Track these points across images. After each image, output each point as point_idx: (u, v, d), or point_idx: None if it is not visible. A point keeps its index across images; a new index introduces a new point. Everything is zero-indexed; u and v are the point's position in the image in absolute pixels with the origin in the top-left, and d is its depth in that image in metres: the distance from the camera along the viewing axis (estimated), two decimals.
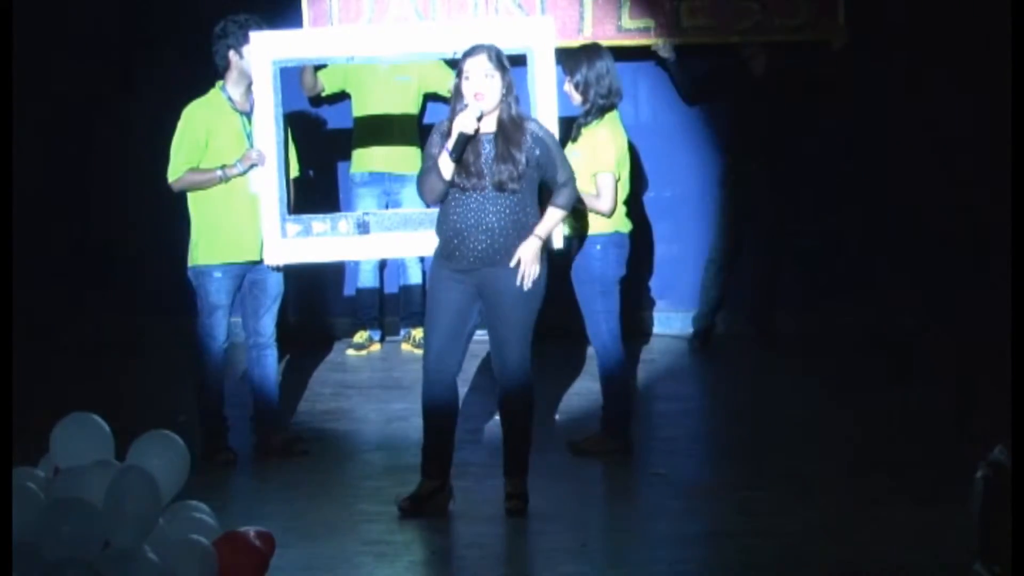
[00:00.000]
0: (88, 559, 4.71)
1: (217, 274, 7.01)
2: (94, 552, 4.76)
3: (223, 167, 6.96)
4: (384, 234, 7.14)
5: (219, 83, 7.11)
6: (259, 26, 7.02)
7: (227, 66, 7.07)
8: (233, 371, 7.64)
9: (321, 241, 7.06)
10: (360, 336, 9.51)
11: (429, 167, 6.14)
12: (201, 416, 7.10)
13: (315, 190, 8.86)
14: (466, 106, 6.04)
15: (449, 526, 6.16)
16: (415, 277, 9.43)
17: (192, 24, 8.88)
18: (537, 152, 6.11)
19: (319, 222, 7.07)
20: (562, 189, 6.20)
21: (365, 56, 7.33)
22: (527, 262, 6.10)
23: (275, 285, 7.17)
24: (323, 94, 9.33)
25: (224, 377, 7.16)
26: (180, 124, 7.04)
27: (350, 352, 9.47)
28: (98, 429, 5.08)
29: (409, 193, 9.10)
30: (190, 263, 7.09)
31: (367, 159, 9.20)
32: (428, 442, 6.29)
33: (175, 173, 7.01)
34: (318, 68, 9.06)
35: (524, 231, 6.12)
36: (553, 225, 6.26)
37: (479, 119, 6.04)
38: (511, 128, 6.09)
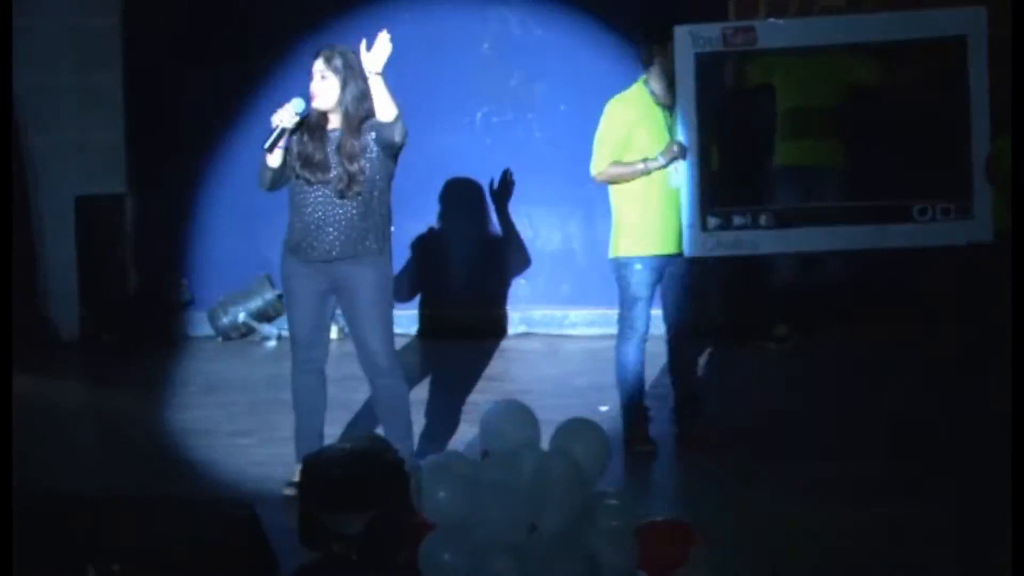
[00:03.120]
0: (515, 542, 4.84)
1: (638, 266, 7.08)
2: (521, 536, 4.89)
3: (645, 160, 7.02)
4: (805, 227, 7.04)
5: (642, 78, 7.17)
6: (682, 20, 7.04)
7: (650, 60, 7.12)
8: (653, 362, 7.70)
9: (742, 234, 7.02)
10: (781, 329, 9.43)
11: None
12: (623, 406, 7.19)
13: (736, 183, 8.83)
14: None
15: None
16: (834, 270, 9.31)
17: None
18: (377, 149, 6.25)
19: (740, 215, 7.04)
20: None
21: (790, 47, 7.26)
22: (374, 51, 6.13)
23: (695, 278, 7.18)
24: (747, 86, 9.28)
25: (644, 368, 7.22)
26: (603, 118, 7.13)
27: (771, 345, 9.41)
28: (526, 415, 5.21)
29: (835, 187, 8.97)
30: (611, 254, 7.18)
31: (791, 152, 9.10)
32: (301, 431, 6.50)
33: (598, 167, 7.11)
34: (742, 60, 9.01)
35: (372, 225, 6.30)
36: (382, 92, 6.17)
37: (301, 115, 6.27)
38: (348, 131, 6.25)
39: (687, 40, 6.94)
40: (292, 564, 5.09)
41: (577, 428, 5.27)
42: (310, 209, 6.32)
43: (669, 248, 7.06)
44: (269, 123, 6.26)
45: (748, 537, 5.83)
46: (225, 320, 10.44)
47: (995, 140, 6.80)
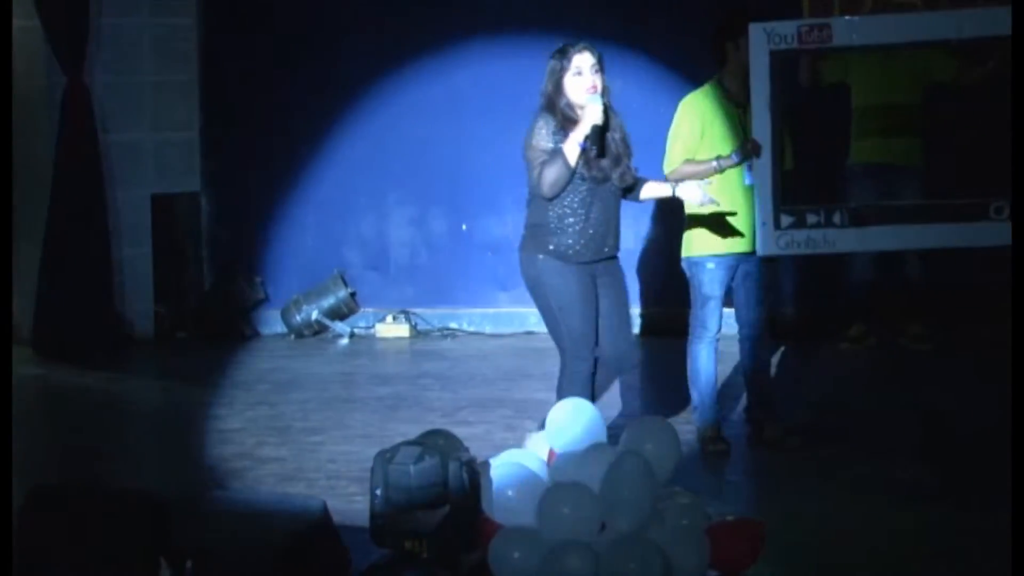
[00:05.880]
0: (586, 541, 4.84)
1: (710, 265, 7.05)
2: (592, 535, 4.88)
3: (718, 158, 6.99)
4: (880, 226, 6.99)
5: (716, 75, 7.14)
6: (757, 18, 7.00)
7: (724, 58, 7.09)
8: (726, 362, 7.67)
9: (815, 233, 6.97)
10: (855, 329, 9.36)
11: (553, 160, 6.12)
12: (695, 406, 7.16)
13: (811, 181, 8.77)
14: (569, 102, 6.19)
15: None
16: (912, 269, 9.22)
17: None
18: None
19: (814, 213, 6.99)
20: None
21: (866, 45, 7.19)
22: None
23: (768, 277, 7.15)
24: (822, 84, 9.22)
25: (717, 367, 7.19)
26: (677, 116, 7.11)
27: (845, 345, 9.35)
28: (592, 414, 5.21)
29: (910, 185, 8.89)
30: (684, 254, 7.15)
31: (866, 149, 9.04)
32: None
33: (671, 164, 7.08)
34: (817, 58, 8.97)
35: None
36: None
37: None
38: (614, 124, 6.27)
39: (762, 37, 6.90)
40: (363, 561, 5.11)
41: (649, 427, 5.26)
42: (595, 208, 6.25)
43: (742, 247, 7.02)
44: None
45: (819, 537, 5.80)
46: (298, 318, 10.51)
47: None
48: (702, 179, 7.00)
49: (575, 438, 5.16)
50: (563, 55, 6.26)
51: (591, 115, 6.14)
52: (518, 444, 6.27)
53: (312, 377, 9.11)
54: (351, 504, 5.98)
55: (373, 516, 5.15)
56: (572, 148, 6.13)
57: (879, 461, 6.86)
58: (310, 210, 10.64)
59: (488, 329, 10.57)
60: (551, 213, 6.25)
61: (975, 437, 7.16)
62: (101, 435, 7.90)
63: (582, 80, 6.22)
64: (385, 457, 5.21)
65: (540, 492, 4.97)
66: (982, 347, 9.15)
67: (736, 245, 7.02)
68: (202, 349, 10.08)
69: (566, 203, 6.22)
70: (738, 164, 6.97)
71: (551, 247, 6.26)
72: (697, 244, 7.09)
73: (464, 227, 10.67)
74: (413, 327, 10.55)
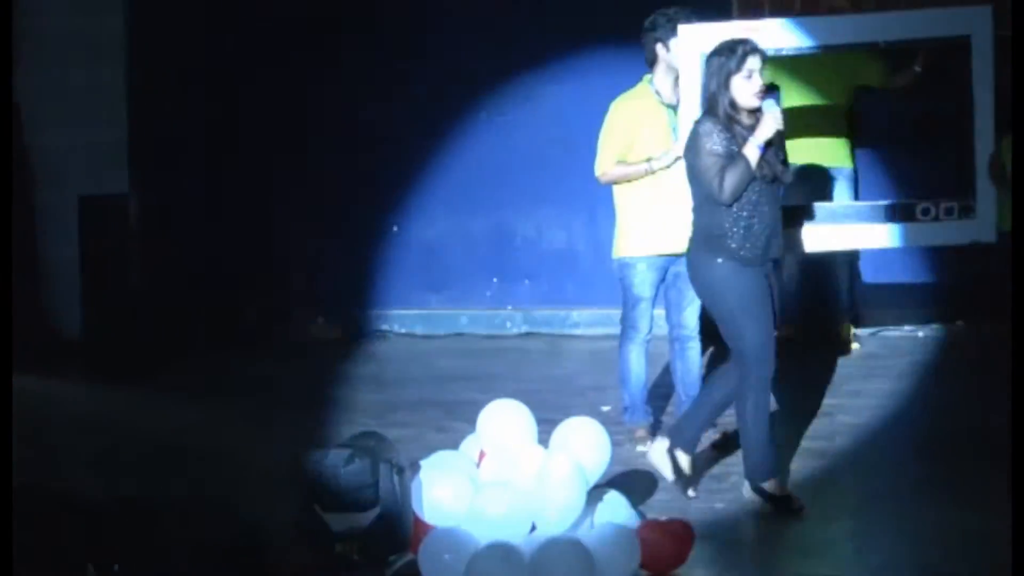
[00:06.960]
0: (516, 542, 4.83)
1: (641, 266, 7.07)
2: (522, 536, 4.88)
3: (649, 160, 7.01)
4: (809, 227, 7.03)
5: (647, 77, 7.17)
6: (688, 19, 7.03)
7: (654, 59, 7.11)
8: (656, 362, 7.68)
9: None
10: (785, 330, 9.40)
11: (735, 165, 6.01)
12: (625, 406, 7.18)
13: None
14: (733, 101, 6.05)
15: None
16: (840, 271, 9.29)
17: None
18: None
19: None
20: None
21: (794, 47, 7.24)
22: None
23: None
24: None
25: (647, 368, 7.20)
26: (608, 118, 7.13)
27: None
28: (522, 415, 5.22)
29: (840, 187, 8.96)
30: (615, 255, 7.18)
31: (795, 151, 9.09)
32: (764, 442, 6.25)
33: (602, 167, 7.10)
34: None
35: None
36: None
37: None
38: None
39: (692, 38, 6.93)
40: (294, 564, 5.08)
41: (578, 427, 5.27)
42: (765, 208, 6.12)
43: (672, 248, 7.03)
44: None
45: (746, 536, 5.83)
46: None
47: (1001, 140, 6.79)
48: (634, 181, 7.03)
49: (503, 438, 5.17)
50: (733, 53, 6.10)
51: (773, 120, 6.05)
52: (450, 446, 6.27)
53: (245, 379, 9.05)
54: (282, 508, 5.94)
55: (303, 519, 5.13)
56: (753, 152, 6.02)
57: (799, 461, 6.90)
58: (240, 211, 10.57)
59: (419, 331, 10.54)
60: (727, 216, 6.10)
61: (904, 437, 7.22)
62: (28, 438, 7.80)
63: (752, 83, 6.09)
64: (315, 459, 5.20)
65: (471, 493, 4.97)
66: (913, 347, 9.24)
67: (667, 246, 7.04)
68: (131, 352, 9.98)
69: (740, 204, 6.09)
70: (669, 166, 6.98)
71: (728, 251, 6.11)
72: (627, 246, 7.11)
73: (395, 228, 10.63)
74: (344, 329, 10.51)
